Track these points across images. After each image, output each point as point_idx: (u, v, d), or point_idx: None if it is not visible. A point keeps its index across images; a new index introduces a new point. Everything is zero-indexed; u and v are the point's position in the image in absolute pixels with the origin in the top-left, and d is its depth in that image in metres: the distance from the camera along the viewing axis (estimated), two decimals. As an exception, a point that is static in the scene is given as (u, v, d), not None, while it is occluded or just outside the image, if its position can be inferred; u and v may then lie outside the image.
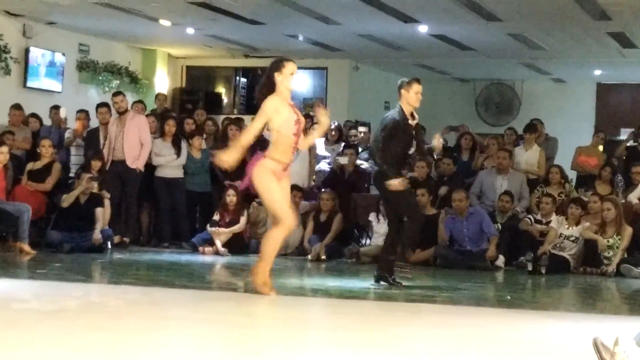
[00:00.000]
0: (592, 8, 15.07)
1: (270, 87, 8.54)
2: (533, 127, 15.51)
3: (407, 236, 10.04)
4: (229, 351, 5.61)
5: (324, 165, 15.66)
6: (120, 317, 6.97)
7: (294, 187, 14.10)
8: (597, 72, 22.67)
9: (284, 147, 8.48)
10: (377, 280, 10.02)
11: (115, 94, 14.83)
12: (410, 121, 9.98)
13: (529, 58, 20.65)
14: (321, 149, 15.76)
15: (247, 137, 8.57)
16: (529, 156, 15.08)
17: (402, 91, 10.00)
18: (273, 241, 8.48)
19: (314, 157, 15.17)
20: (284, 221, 8.38)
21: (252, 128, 8.52)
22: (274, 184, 8.40)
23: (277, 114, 8.44)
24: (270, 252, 8.50)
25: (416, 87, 10.00)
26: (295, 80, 8.64)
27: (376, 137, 10.14)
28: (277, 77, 8.51)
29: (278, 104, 8.48)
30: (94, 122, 15.37)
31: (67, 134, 15.48)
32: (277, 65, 8.55)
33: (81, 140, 15.27)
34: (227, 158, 8.47)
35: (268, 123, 8.51)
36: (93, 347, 5.53)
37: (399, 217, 10.12)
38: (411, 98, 9.97)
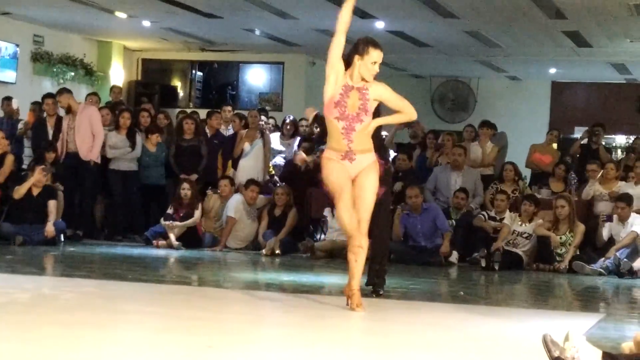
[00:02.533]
0: (548, 7, 15.17)
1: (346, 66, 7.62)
2: (489, 123, 15.64)
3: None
4: (181, 344, 5.59)
5: (279, 160, 15.64)
6: (72, 311, 6.92)
7: (251, 182, 14.12)
8: (552, 71, 22.84)
9: (332, 133, 7.58)
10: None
11: (57, 93, 14.68)
12: None
13: (485, 55, 20.76)
14: (276, 144, 15.74)
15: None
16: (484, 152, 15.21)
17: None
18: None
19: (268, 150, 15.16)
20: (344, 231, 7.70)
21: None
22: (339, 174, 7.48)
23: (337, 82, 7.62)
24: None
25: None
26: (375, 70, 7.65)
27: None
28: (357, 60, 7.62)
29: (341, 73, 7.65)
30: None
31: (20, 126, 15.36)
32: (360, 48, 7.67)
33: (30, 132, 15.18)
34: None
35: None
36: (45, 340, 5.49)
37: None
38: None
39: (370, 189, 7.51)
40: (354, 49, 7.66)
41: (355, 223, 7.40)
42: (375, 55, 7.63)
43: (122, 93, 19.11)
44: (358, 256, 7.48)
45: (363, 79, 7.59)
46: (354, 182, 7.49)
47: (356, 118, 7.52)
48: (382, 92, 7.69)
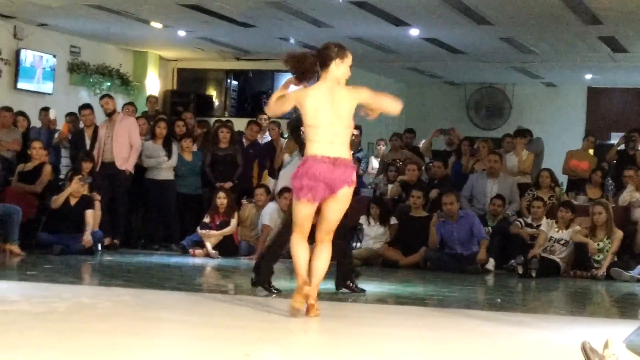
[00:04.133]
0: (583, 12, 15.10)
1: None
2: (523, 132, 15.62)
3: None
4: (218, 353, 5.61)
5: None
6: (110, 319, 6.95)
7: (285, 189, 14.12)
8: (588, 77, 22.72)
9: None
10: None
11: (103, 97, 14.86)
12: None
13: (520, 62, 20.68)
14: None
15: None
16: (520, 160, 15.17)
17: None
18: None
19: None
20: None
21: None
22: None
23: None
24: None
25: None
26: (349, 73, 7.87)
27: None
28: (336, 64, 7.77)
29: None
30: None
31: (56, 136, 15.49)
32: (336, 52, 7.85)
33: (67, 143, 15.29)
34: None
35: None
36: (83, 349, 5.52)
37: None
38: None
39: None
40: (327, 55, 7.76)
41: None
42: (350, 59, 7.82)
43: (158, 103, 19.20)
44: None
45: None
46: None
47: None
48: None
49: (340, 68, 7.71)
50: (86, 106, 15.06)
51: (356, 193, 15.03)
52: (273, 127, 15.87)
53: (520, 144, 15.36)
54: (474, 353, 6.06)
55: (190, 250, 13.85)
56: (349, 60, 7.75)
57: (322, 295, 9.27)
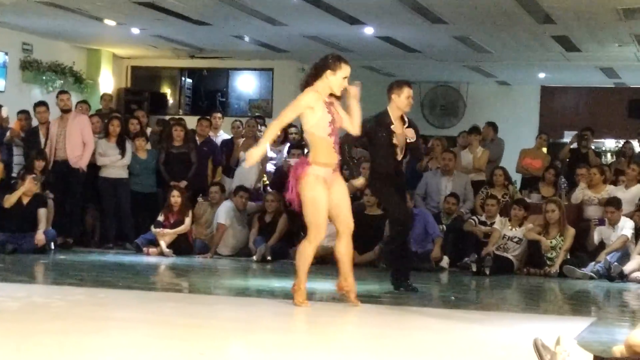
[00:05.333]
0: (537, 12, 15.19)
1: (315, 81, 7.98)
2: (477, 129, 15.73)
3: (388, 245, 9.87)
4: (173, 351, 5.59)
5: (269, 167, 15.63)
6: (63, 318, 6.90)
7: (240, 188, 14.12)
8: (542, 75, 22.88)
9: (325, 148, 7.92)
10: (397, 288, 9.87)
11: (61, 92, 14.77)
12: (394, 127, 9.61)
13: (474, 61, 20.78)
14: (267, 151, 15.73)
15: (274, 129, 8.07)
16: (475, 157, 15.25)
17: (393, 95, 9.69)
18: (301, 256, 8.07)
19: (265, 159, 15.11)
20: (314, 233, 7.97)
21: (282, 118, 7.94)
22: (322, 194, 7.90)
23: (312, 112, 7.89)
24: (302, 267, 8.06)
25: (407, 92, 9.65)
26: (345, 84, 8.02)
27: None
28: (329, 74, 7.93)
29: (314, 100, 7.90)
30: (36, 122, 15.24)
31: (8, 134, 15.34)
32: (333, 64, 7.97)
33: (19, 141, 15.16)
34: (256, 153, 7.85)
35: (301, 120, 8.01)
36: (35, 348, 5.48)
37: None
38: (402, 103, 9.66)
39: (346, 192, 8.23)
40: (324, 64, 7.97)
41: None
42: (346, 70, 8.02)
43: (112, 101, 19.09)
44: (349, 251, 8.31)
45: (331, 94, 7.97)
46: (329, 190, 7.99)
47: (337, 132, 8.03)
48: (341, 110, 8.15)
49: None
50: (41, 103, 14.97)
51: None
52: (238, 125, 15.95)
53: (475, 141, 15.44)
54: (428, 350, 6.09)
55: (145, 249, 13.80)
56: (342, 72, 8.05)
57: (276, 294, 9.29)
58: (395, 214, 9.80)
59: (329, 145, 7.92)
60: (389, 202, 9.84)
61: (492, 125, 16.47)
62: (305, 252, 8.05)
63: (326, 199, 7.92)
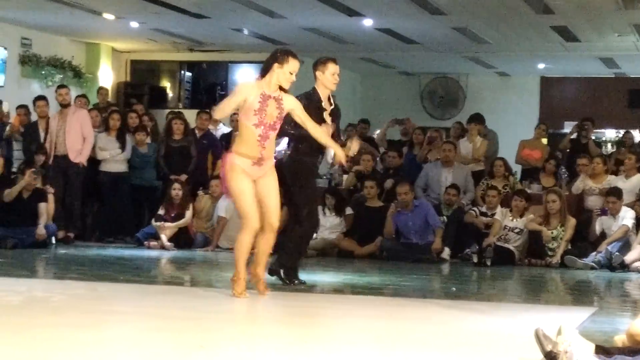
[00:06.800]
0: (536, 2, 15.18)
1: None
2: (477, 117, 15.62)
3: (294, 240, 9.22)
4: (173, 344, 5.58)
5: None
6: (64, 313, 6.90)
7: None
8: (541, 66, 22.85)
9: (248, 139, 7.87)
10: (271, 274, 9.26)
11: (60, 87, 14.76)
12: (324, 105, 9.04)
13: (474, 52, 20.76)
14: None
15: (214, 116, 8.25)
16: (474, 147, 15.22)
17: (317, 73, 9.08)
18: (239, 245, 8.00)
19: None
20: (246, 223, 7.90)
21: (222, 106, 8.12)
22: (243, 183, 7.85)
23: (244, 101, 7.89)
24: (241, 258, 8.00)
25: (332, 68, 9.01)
26: (292, 79, 8.04)
27: (287, 121, 8.42)
28: (276, 68, 7.94)
29: (248, 89, 7.95)
30: (35, 117, 15.23)
31: (7, 129, 15.34)
32: (280, 58, 7.98)
33: (19, 136, 15.15)
34: None
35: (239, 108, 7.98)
36: (36, 342, 5.47)
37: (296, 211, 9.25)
38: (327, 80, 9.04)
39: (275, 188, 8.08)
40: (273, 58, 8.03)
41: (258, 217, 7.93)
42: (293, 65, 8.03)
43: (109, 95, 19.08)
44: (268, 245, 8.22)
45: (280, 88, 7.99)
46: (255, 182, 7.95)
47: (272, 126, 7.97)
48: (295, 106, 8.16)
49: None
50: (41, 97, 14.98)
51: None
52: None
53: (474, 130, 15.39)
54: (430, 342, 6.08)
55: (145, 243, 13.80)
56: (288, 66, 8.04)
57: (276, 286, 9.28)
58: (313, 216, 9.32)
59: (252, 136, 7.83)
60: (311, 200, 9.27)
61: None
62: (243, 242, 7.97)
63: (250, 188, 7.88)
